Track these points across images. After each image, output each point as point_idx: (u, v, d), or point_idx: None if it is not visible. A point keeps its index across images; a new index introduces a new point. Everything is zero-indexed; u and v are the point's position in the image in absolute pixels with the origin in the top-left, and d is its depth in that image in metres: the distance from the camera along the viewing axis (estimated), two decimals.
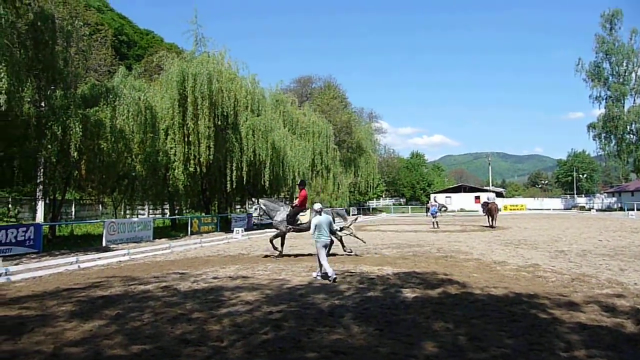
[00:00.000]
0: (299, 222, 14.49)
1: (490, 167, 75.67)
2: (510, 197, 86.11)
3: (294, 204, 15.08)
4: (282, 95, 38.52)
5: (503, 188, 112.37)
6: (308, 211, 14.54)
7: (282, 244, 14.73)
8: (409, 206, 72.81)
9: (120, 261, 13.97)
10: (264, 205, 15.01)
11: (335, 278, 9.46)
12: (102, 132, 18.01)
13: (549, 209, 63.02)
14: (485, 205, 31.16)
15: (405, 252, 15.18)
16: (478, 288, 8.66)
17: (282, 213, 14.63)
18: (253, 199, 36.98)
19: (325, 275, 9.66)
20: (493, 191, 73.46)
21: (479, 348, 5.21)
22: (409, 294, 8.22)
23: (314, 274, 10.08)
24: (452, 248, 16.17)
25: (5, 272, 10.67)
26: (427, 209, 33.33)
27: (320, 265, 9.86)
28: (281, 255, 14.33)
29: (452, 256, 13.79)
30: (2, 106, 12.61)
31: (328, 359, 4.93)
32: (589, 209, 59.03)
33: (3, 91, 12.47)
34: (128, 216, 26.94)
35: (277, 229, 14.66)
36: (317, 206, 10.73)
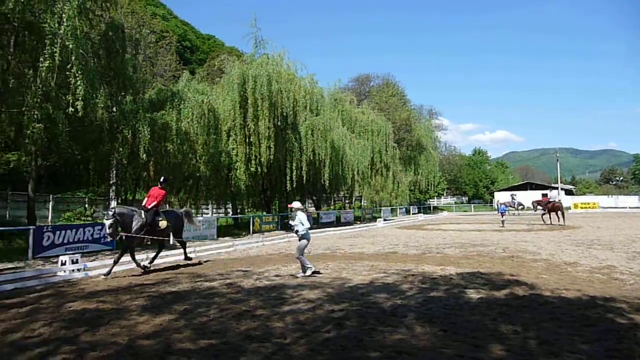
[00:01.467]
0: (159, 228, 12.01)
1: (558, 164, 71.93)
2: (581, 194, 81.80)
3: (146, 207, 11.98)
4: (341, 94, 38.59)
5: (573, 185, 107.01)
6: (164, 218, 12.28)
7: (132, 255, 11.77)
8: (472, 205, 70.87)
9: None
10: (119, 214, 11.18)
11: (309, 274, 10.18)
12: (169, 134, 18.78)
13: (625, 207, 59.27)
14: (543, 204, 30.23)
15: (469, 251, 14.78)
16: (548, 290, 8.28)
17: (139, 220, 11.57)
18: (313, 198, 37.34)
19: (308, 270, 10.27)
20: (563, 188, 70.07)
21: (551, 353, 4.98)
22: (473, 294, 8.00)
23: (302, 274, 10.24)
24: (518, 248, 15.57)
25: (84, 268, 11.36)
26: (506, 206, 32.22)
27: (303, 265, 10.34)
28: (143, 267, 11.81)
29: (519, 256, 13.27)
30: (79, 112, 13.41)
31: (391, 359, 4.89)
32: None
33: (80, 98, 13.25)
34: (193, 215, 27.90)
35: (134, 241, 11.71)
36: (297, 204, 10.68)
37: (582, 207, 59.14)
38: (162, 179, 12.80)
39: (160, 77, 33.23)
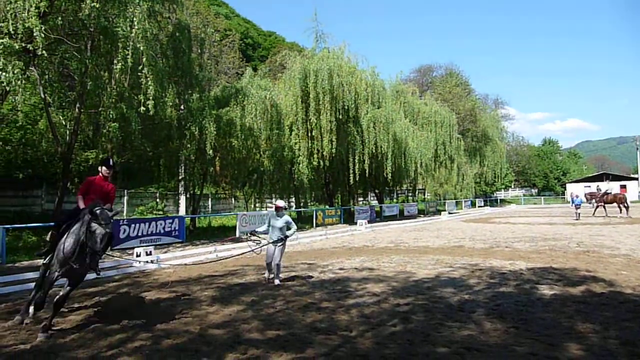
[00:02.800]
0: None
1: (638, 152, 67.17)
2: None
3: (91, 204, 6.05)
4: (402, 86, 38.04)
5: None
6: None
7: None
8: (542, 197, 67.77)
9: (252, 251, 14.82)
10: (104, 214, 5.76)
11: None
12: (233, 130, 19.25)
13: None
14: (597, 197, 29.26)
15: (540, 246, 14.14)
16: (629, 287, 7.78)
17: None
18: (376, 191, 37.12)
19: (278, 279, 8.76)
20: None
21: (634, 354, 4.67)
22: (546, 290, 7.66)
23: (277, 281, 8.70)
24: (594, 242, 14.72)
25: (157, 260, 11.91)
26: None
27: (278, 267, 8.77)
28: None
29: (595, 251, 12.55)
30: (150, 111, 14.02)
31: (460, 355, 4.77)
32: None
33: (150, 97, 13.83)
34: (258, 209, 28.53)
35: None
36: (282, 203, 9.26)
37: None
38: (108, 162, 7.19)
39: (224, 75, 34.17)
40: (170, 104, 17.56)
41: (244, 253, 12.66)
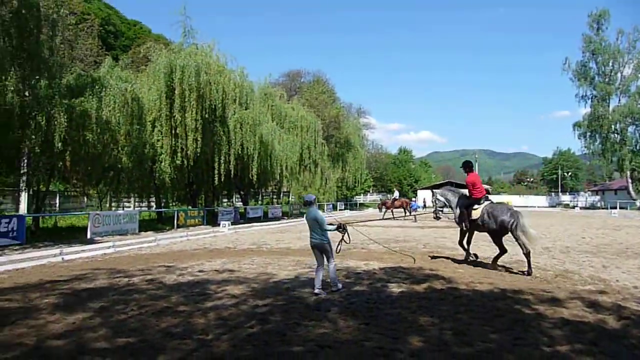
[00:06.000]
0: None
1: (476, 164, 75.95)
2: (496, 194, 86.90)
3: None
4: (271, 89, 38.36)
5: (489, 185, 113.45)
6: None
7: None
8: None
9: (105, 253, 13.82)
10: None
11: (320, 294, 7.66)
12: (88, 123, 17.78)
13: (534, 206, 63.69)
14: (388, 203, 34.60)
15: (392, 247, 15.21)
16: (463, 283, 8.73)
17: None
18: (241, 192, 36.94)
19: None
20: None
21: (464, 343, 5.25)
22: (395, 288, 8.26)
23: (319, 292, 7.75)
24: (438, 244, 16.27)
25: None
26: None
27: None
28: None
29: (438, 252, 13.88)
30: None
31: (314, 353, 4.94)
32: (573, 207, 59.96)
33: None
34: (114, 208, 26.68)
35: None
36: (309, 197, 8.80)
37: None
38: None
39: (80, 62, 31.27)
40: (12, 88, 15.69)
41: None
